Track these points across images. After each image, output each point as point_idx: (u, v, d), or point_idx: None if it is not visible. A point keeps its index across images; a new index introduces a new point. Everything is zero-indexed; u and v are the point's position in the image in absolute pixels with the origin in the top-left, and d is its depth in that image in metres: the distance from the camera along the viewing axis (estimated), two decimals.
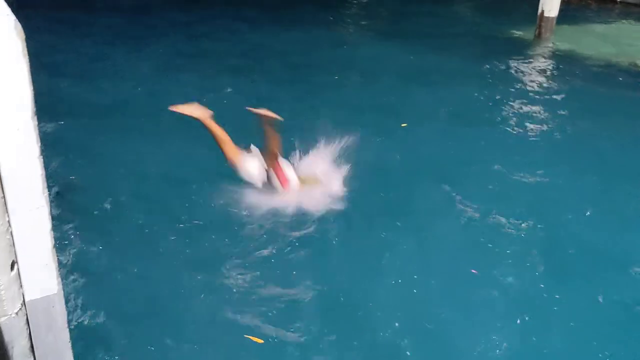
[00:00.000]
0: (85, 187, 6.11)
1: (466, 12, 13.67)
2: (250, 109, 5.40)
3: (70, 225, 5.40)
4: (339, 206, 5.67)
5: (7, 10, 2.08)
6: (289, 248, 5.23)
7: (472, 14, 13.62)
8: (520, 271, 5.05)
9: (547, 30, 11.87)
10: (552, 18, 11.79)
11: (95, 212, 5.68)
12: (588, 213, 5.94)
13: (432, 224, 5.67)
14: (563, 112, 8.49)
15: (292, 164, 5.74)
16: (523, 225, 5.71)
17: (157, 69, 9.61)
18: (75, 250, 5.15)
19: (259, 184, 5.54)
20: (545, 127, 7.97)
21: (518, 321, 4.52)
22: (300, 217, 5.54)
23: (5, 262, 2.31)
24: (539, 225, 5.72)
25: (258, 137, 5.57)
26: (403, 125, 7.74)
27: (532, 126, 7.96)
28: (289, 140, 6.03)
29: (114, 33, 11.42)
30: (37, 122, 2.23)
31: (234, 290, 4.76)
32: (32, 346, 2.57)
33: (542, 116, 8.35)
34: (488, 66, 10.15)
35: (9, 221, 2.28)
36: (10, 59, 2.08)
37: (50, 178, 3.98)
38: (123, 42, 10.85)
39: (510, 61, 10.49)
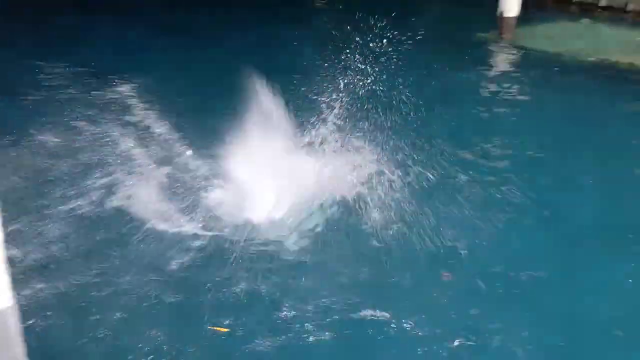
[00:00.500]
0: None
1: (427, 15, 13.77)
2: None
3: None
4: None
5: None
6: None
7: (433, 17, 13.72)
8: None
9: (508, 30, 12.06)
10: (512, 18, 11.96)
11: None
12: None
13: None
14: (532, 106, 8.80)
15: None
16: None
17: None
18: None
19: None
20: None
21: None
22: None
23: None
24: None
25: None
26: None
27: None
28: None
29: None
30: None
31: None
32: None
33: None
34: (449, 66, 10.30)
35: None
36: None
37: None
38: None
39: (472, 62, 10.67)
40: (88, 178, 6.22)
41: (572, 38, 12.35)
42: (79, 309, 4.50)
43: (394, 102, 7.35)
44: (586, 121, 8.36)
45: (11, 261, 2.68)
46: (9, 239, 3.95)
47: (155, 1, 14.42)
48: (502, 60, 11.45)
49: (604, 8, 14.19)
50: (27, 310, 4.29)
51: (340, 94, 6.82)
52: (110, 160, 6.58)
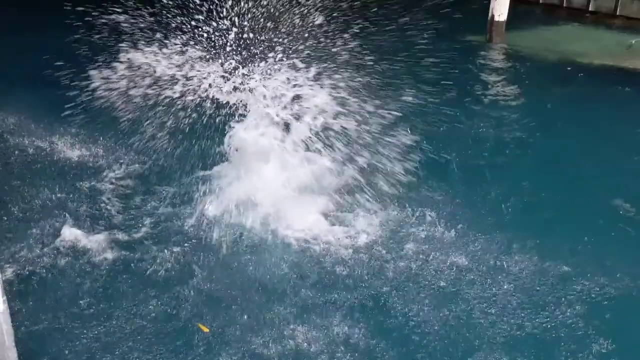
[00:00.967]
0: None
1: (416, 21, 13.81)
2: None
3: None
4: None
5: None
6: None
7: (422, 22, 13.76)
8: None
9: (498, 35, 12.18)
10: (502, 22, 12.08)
11: None
12: None
13: None
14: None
15: None
16: None
17: None
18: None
19: None
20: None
21: None
22: None
23: None
24: None
25: None
26: None
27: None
28: None
29: None
30: None
31: None
32: None
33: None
34: (441, 70, 10.35)
35: None
36: None
37: None
38: None
39: (463, 65, 10.69)
40: None
41: (561, 41, 12.48)
42: None
43: None
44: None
45: None
46: None
47: None
48: (489, 64, 11.57)
49: (593, 13, 14.32)
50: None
51: None
52: None
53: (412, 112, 7.09)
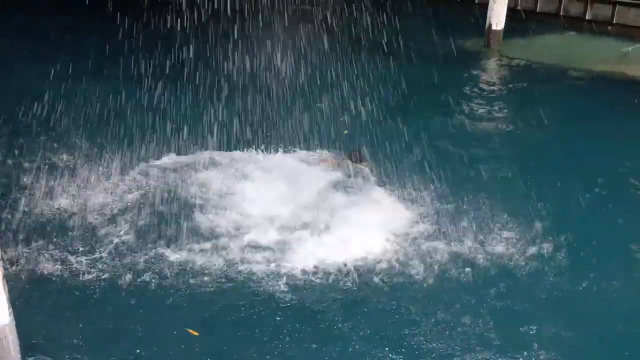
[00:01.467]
0: None
1: (414, 26, 13.94)
2: None
3: None
4: None
5: None
6: None
7: (420, 28, 13.90)
8: None
9: (495, 42, 12.33)
10: (499, 31, 12.24)
11: None
12: None
13: None
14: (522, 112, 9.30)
15: None
16: None
17: None
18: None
19: None
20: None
21: None
22: None
23: None
24: None
25: None
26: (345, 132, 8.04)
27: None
28: None
29: None
30: None
31: None
32: None
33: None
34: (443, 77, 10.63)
35: None
36: None
37: None
38: None
39: (464, 71, 11.03)
40: None
41: (558, 50, 12.61)
42: None
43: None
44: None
45: None
46: None
47: None
48: (487, 70, 11.73)
49: (590, 21, 14.43)
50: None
51: None
52: None
53: None
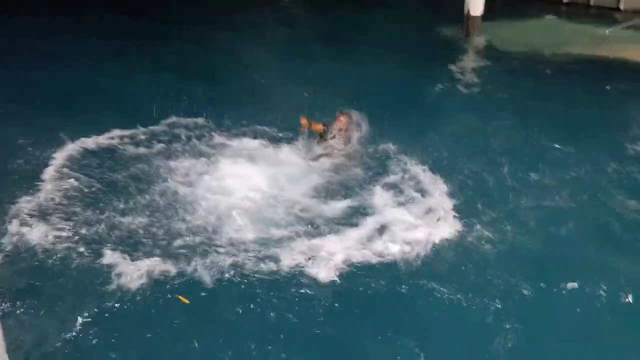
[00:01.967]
0: None
1: (393, 16, 13.98)
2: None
3: None
4: None
5: None
6: None
7: (399, 18, 13.95)
8: None
9: (474, 28, 12.38)
10: (478, 17, 12.30)
11: None
12: None
13: None
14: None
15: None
16: None
17: None
18: None
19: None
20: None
21: None
22: None
23: None
24: None
25: None
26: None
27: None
28: None
29: None
30: None
31: None
32: None
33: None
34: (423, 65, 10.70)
35: None
36: None
37: None
38: None
39: (443, 59, 11.12)
40: None
41: (537, 34, 12.71)
42: None
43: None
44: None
45: None
46: None
47: None
48: (465, 57, 11.81)
49: (568, 4, 14.55)
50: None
51: None
52: None
53: None
